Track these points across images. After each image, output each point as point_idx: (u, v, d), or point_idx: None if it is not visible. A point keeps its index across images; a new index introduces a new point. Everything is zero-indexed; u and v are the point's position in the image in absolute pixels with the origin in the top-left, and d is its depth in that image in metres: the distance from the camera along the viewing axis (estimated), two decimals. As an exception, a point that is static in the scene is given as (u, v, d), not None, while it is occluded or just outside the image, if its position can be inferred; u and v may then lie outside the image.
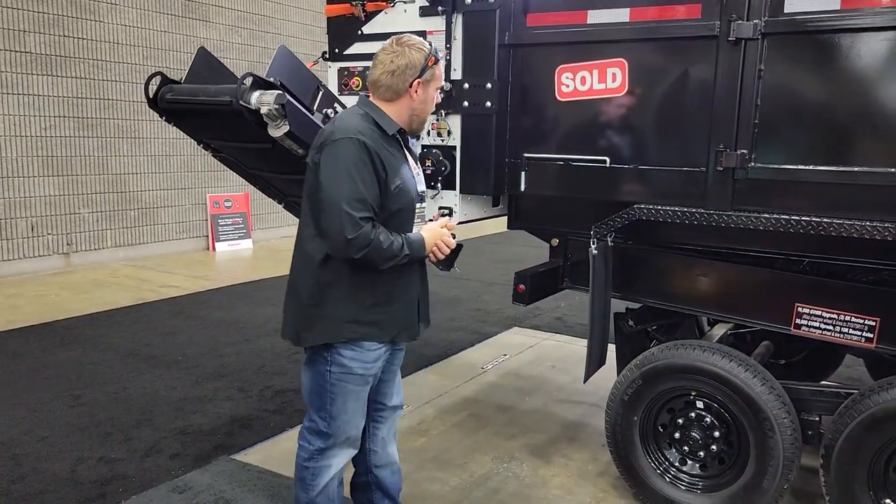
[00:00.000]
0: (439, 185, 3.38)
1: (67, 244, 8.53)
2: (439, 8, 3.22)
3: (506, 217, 3.68)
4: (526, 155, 3.24)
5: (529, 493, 3.34)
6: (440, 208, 3.43)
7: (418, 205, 2.46)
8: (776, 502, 2.88)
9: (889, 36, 2.44)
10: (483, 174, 3.29)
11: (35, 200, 8.17)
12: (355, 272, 2.32)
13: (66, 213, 8.49)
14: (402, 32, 3.40)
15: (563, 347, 5.61)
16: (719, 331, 3.63)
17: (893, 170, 2.48)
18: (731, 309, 3.16)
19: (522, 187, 3.28)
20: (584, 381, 3.24)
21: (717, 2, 2.70)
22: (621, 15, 2.94)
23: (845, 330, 2.86)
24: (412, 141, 2.52)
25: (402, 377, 4.80)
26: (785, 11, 2.58)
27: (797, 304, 2.95)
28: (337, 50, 3.59)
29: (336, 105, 3.19)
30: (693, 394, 3.02)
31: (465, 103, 3.24)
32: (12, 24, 7.83)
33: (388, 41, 2.38)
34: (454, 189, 3.38)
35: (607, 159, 3.04)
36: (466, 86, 3.23)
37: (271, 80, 2.66)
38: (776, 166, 2.67)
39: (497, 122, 3.23)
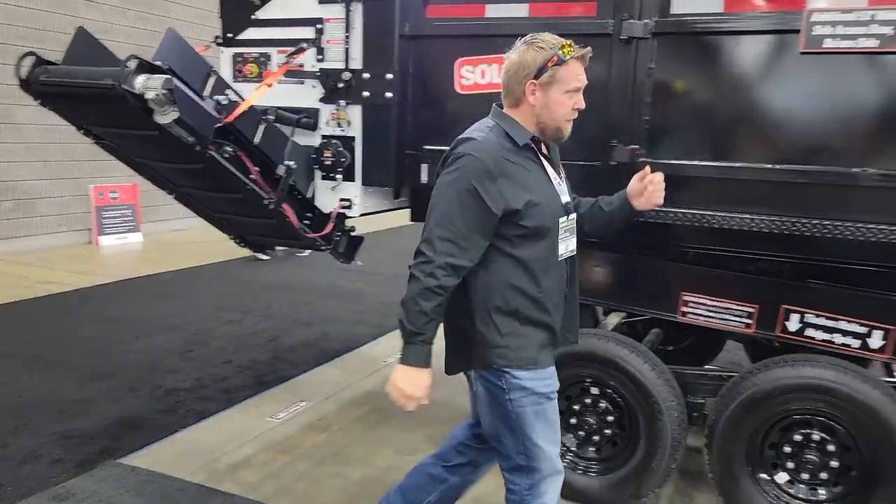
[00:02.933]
0: (339, 176, 3.32)
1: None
2: (338, -5, 3.16)
3: (409, 209, 3.67)
4: (427, 147, 3.23)
5: (431, 485, 3.35)
6: (340, 199, 3.38)
7: (563, 218, 2.19)
8: (664, 482, 3.03)
9: (768, 39, 2.60)
10: (384, 166, 3.26)
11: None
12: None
13: (-71, 204, 7.78)
14: (297, 19, 3.35)
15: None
16: (613, 320, 3.75)
17: (771, 166, 2.64)
18: (624, 299, 3.29)
19: (424, 180, 3.27)
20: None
21: (610, 1, 2.78)
22: (520, 10, 2.98)
23: (727, 317, 3.04)
24: (552, 148, 2.28)
25: (303, 372, 4.79)
26: (672, 12, 2.69)
27: (683, 294, 3.10)
28: (230, 35, 3.46)
29: (228, 92, 3.06)
30: (588, 380, 3.12)
31: (366, 93, 3.20)
32: None
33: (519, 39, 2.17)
34: (354, 181, 3.33)
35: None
36: (366, 76, 3.18)
37: (158, 63, 2.52)
38: (665, 161, 2.79)
39: (398, 114, 3.20)
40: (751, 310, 2.99)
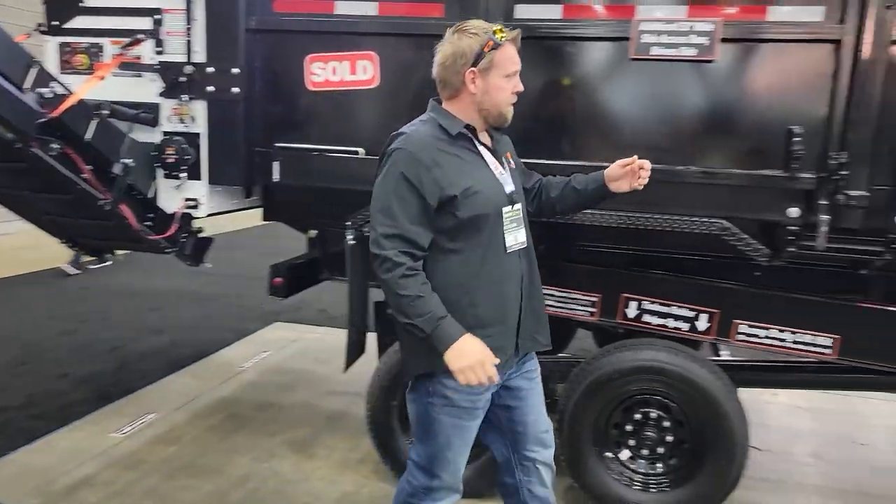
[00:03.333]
0: (183, 174, 3.15)
1: None
2: (177, -16, 3.00)
3: (261, 208, 3.56)
4: (278, 144, 3.14)
5: (290, 489, 3.28)
6: (185, 199, 3.21)
7: (507, 208, 2.13)
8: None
9: (604, 45, 2.77)
10: (232, 164, 3.13)
11: None
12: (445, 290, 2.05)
13: None
14: (132, 8, 3.14)
15: (326, 340, 5.57)
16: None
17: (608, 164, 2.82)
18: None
19: (275, 177, 3.18)
20: (345, 371, 3.25)
21: (457, 2, 2.84)
22: (370, 8, 2.97)
23: (574, 306, 3.21)
24: (497, 136, 2.24)
25: (150, 383, 4.51)
26: (515, 17, 2.79)
27: (534, 286, 3.24)
28: (56, 23, 3.18)
29: (53, 85, 2.81)
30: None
31: (210, 88, 3.06)
32: None
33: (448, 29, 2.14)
34: (200, 179, 3.18)
35: (361, 150, 3.06)
36: (210, 70, 3.04)
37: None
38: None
39: (246, 110, 3.09)
40: (594, 299, 3.18)
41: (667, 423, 3.02)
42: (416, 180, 2.00)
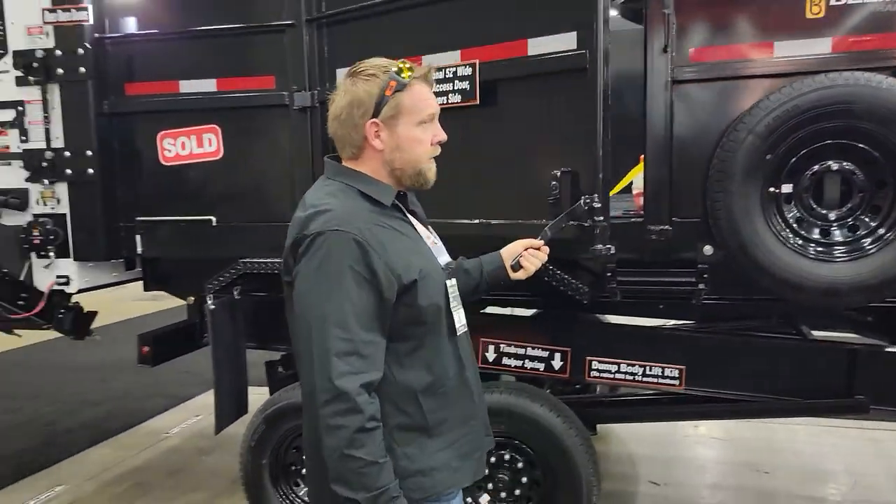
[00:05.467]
0: (52, 253, 3.31)
1: None
2: (31, 79, 3.21)
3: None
4: (139, 218, 3.30)
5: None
6: (57, 276, 3.36)
7: (449, 283, 1.73)
8: None
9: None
10: (94, 240, 3.29)
11: None
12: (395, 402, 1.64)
13: None
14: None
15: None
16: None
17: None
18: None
19: (140, 250, 3.33)
20: (216, 433, 3.32)
21: (283, 74, 3.02)
22: (209, 85, 3.15)
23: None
24: (412, 199, 1.83)
25: (69, 456, 4.56)
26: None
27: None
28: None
29: None
30: (310, 430, 3.25)
31: (69, 171, 3.24)
32: None
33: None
34: (68, 256, 3.33)
35: (213, 218, 3.20)
36: (67, 154, 3.23)
37: None
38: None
39: (104, 188, 3.26)
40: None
41: (520, 465, 3.06)
42: (367, 271, 1.53)
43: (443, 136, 1.74)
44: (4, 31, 3.26)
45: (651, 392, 3.21)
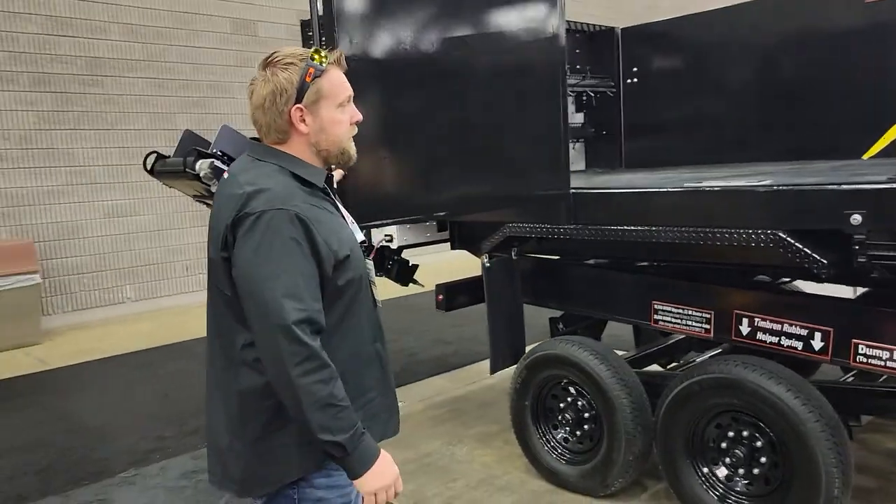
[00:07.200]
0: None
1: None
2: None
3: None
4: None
5: (457, 467, 4.00)
6: (385, 235, 4.25)
7: (368, 261, 1.93)
8: (627, 472, 3.34)
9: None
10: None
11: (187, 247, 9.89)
12: None
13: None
14: None
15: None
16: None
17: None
18: (608, 308, 3.69)
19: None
20: (490, 373, 3.88)
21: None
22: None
23: (689, 322, 3.31)
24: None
25: (416, 380, 5.55)
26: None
27: (653, 302, 3.42)
28: None
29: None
30: (564, 381, 3.56)
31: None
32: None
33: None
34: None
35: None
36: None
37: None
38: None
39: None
40: (707, 315, 3.25)
41: (758, 444, 2.93)
42: (309, 246, 1.69)
43: (359, 117, 1.88)
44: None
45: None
